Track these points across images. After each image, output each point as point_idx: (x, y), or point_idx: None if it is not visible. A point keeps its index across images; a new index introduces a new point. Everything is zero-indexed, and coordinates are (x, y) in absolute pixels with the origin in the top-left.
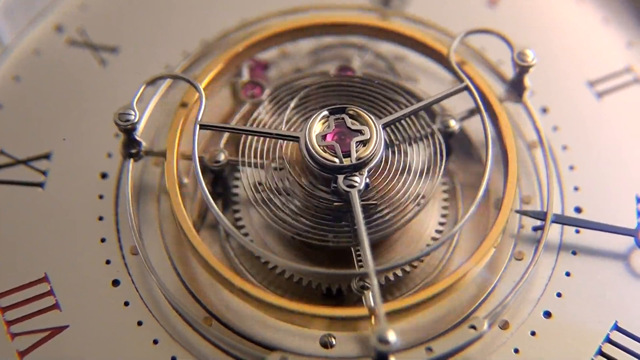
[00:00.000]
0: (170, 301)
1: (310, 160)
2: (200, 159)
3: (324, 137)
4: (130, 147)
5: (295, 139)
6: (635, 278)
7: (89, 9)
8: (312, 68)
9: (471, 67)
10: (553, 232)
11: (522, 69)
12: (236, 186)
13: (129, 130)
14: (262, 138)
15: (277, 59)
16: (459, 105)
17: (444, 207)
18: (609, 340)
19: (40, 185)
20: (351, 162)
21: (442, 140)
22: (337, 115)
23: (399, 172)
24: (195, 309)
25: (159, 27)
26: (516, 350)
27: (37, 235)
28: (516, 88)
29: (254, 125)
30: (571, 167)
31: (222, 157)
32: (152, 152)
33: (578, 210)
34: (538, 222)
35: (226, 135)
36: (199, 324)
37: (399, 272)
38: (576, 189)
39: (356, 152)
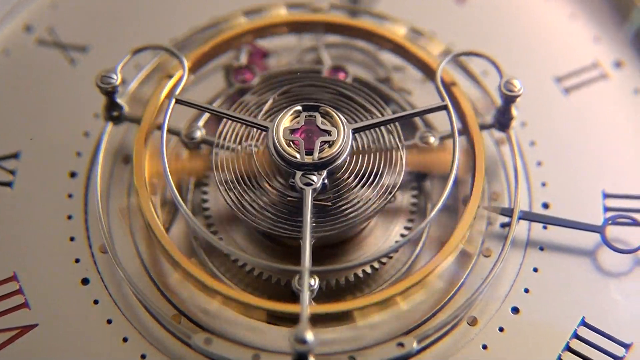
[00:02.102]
0: (140, 299)
1: (273, 152)
2: (177, 133)
3: (293, 131)
4: (112, 110)
5: (265, 128)
6: (601, 274)
7: (58, 8)
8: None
9: (459, 89)
10: (521, 228)
11: (509, 99)
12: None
13: (109, 93)
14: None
15: (278, 49)
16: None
17: (413, 204)
18: (576, 335)
19: (8, 184)
20: (312, 160)
21: (404, 157)
22: (310, 113)
23: (363, 179)
24: (165, 307)
25: (129, 26)
26: (484, 347)
27: (6, 234)
28: (503, 117)
29: (233, 109)
30: (539, 163)
31: (197, 134)
32: (130, 118)
33: (545, 206)
34: (506, 219)
35: (207, 114)
36: (168, 321)
37: (368, 269)
38: (544, 184)
39: (319, 151)
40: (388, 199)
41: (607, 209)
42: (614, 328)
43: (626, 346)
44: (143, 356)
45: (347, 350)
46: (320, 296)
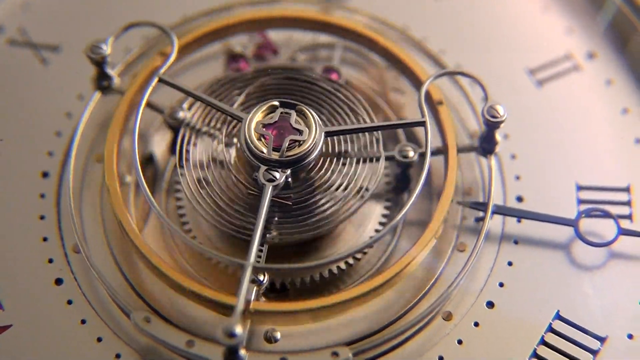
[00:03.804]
0: (114, 298)
1: (243, 143)
2: (161, 111)
3: (266, 126)
4: (102, 80)
5: (239, 118)
6: (575, 267)
7: (30, 8)
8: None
9: (445, 109)
10: (495, 222)
11: (492, 125)
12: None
13: (98, 62)
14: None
15: (289, 45)
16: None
17: (384, 215)
18: (551, 329)
19: None
20: (278, 157)
21: (381, 167)
22: (286, 109)
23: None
24: (139, 306)
25: (101, 24)
26: (459, 342)
27: None
28: (487, 143)
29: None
30: (512, 156)
31: (180, 114)
32: (119, 90)
33: (519, 199)
34: (481, 213)
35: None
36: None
37: (343, 265)
38: (517, 177)
39: (287, 149)
40: (351, 211)
41: (580, 201)
42: (589, 321)
43: (601, 339)
44: (118, 355)
45: (281, 351)
46: (301, 291)
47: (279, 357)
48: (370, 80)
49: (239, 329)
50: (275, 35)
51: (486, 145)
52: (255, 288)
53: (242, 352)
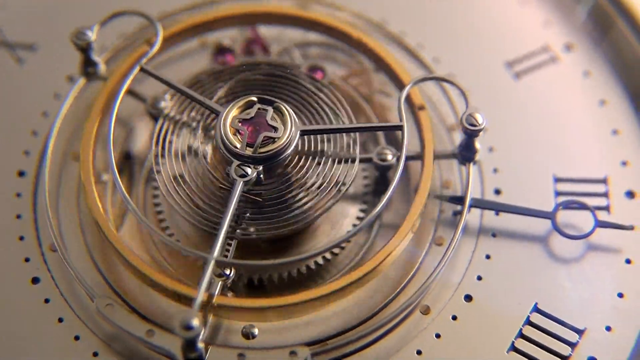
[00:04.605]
0: (91, 296)
1: (218, 137)
2: (143, 100)
3: (243, 121)
4: (87, 66)
5: (217, 112)
6: (553, 260)
7: (5, 7)
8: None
9: (426, 114)
10: (473, 215)
11: (471, 133)
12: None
13: (83, 49)
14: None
15: (279, 41)
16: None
17: (359, 218)
18: (529, 322)
19: None
20: (251, 153)
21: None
22: (263, 106)
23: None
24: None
25: (76, 23)
26: (437, 335)
27: None
28: (466, 151)
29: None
30: (490, 149)
31: (162, 104)
32: (103, 77)
33: (497, 192)
34: (459, 207)
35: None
36: None
37: (320, 261)
38: (495, 170)
39: (260, 146)
40: (325, 208)
41: (558, 194)
42: (567, 314)
43: (579, 332)
44: (95, 354)
45: (240, 347)
46: (278, 287)
47: (237, 353)
48: (357, 81)
49: (195, 322)
50: (266, 31)
51: (465, 153)
52: (220, 282)
53: (201, 345)
